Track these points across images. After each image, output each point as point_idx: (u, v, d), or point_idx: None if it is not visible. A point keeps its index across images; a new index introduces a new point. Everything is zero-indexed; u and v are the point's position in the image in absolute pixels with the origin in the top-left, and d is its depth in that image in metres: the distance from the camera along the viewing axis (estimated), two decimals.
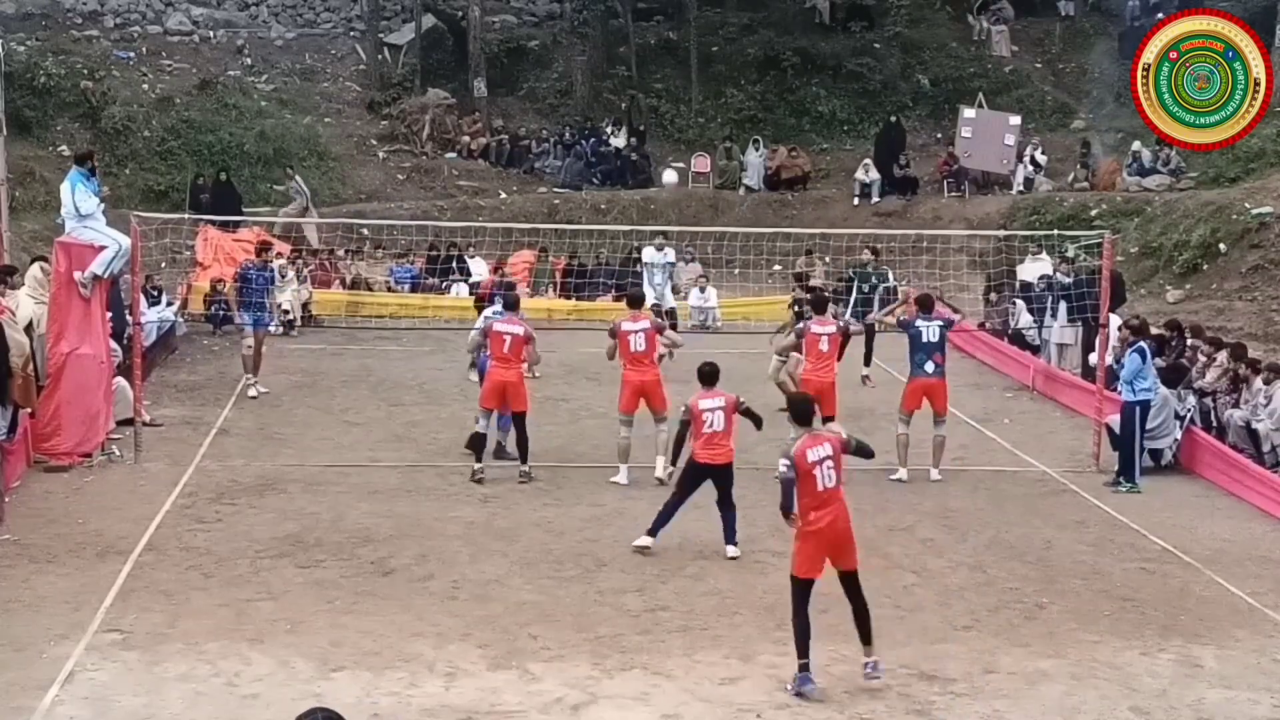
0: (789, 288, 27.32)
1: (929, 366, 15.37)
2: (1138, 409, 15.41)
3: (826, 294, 17.89)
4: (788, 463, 9.50)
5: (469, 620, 10.78)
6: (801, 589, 9.59)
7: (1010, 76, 35.72)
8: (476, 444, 15.04)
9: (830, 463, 9.56)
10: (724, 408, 12.37)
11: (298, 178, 29.47)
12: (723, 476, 12.47)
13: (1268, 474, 15.01)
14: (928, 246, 25.28)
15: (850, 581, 9.74)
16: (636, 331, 14.93)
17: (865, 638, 9.70)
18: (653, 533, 12.47)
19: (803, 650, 9.52)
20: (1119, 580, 12.26)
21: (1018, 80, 35.44)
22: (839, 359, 16.11)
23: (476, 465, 14.81)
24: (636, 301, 15.87)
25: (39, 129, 30.00)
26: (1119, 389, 16.88)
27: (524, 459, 14.89)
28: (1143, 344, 15.75)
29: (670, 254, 25.02)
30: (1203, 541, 13.44)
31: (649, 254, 25.30)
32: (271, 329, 20.30)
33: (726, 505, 12.52)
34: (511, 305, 15.68)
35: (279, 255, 25.35)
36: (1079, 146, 31.73)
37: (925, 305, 15.83)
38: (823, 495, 9.56)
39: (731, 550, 12.36)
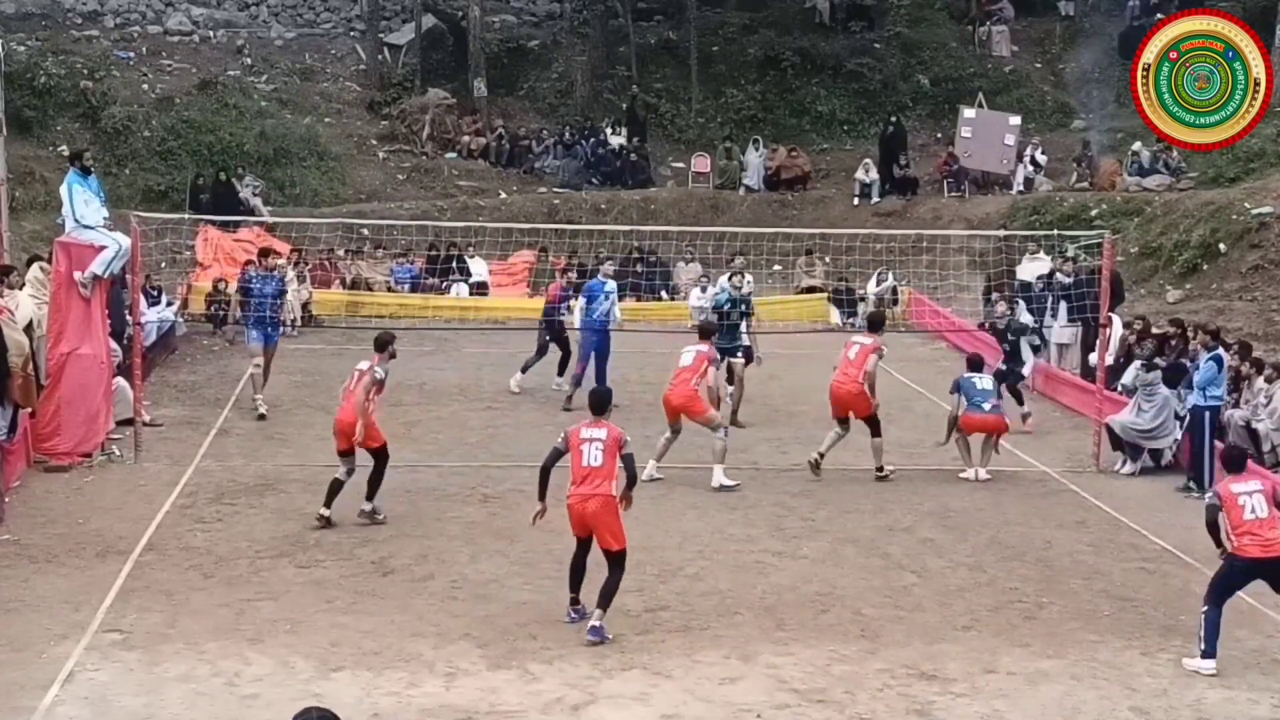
0: (794, 288, 27.45)
1: (986, 405, 15.77)
2: (1207, 414, 15.35)
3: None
4: (563, 435, 10.73)
5: (469, 620, 10.78)
6: (577, 542, 10.74)
7: (1010, 76, 35.72)
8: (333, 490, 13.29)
9: (599, 445, 10.48)
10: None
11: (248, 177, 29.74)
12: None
13: (1268, 474, 14.99)
14: (928, 246, 25.29)
15: (611, 560, 10.54)
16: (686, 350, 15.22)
17: (601, 602, 10.42)
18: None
19: (570, 587, 10.75)
20: (1119, 580, 12.27)
21: (1018, 80, 35.44)
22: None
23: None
24: (706, 333, 15.76)
25: (39, 129, 29.99)
26: (1119, 388, 16.93)
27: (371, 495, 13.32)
28: (1220, 351, 15.72)
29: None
30: (1203, 541, 13.35)
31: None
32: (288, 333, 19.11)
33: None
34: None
35: (277, 256, 25.39)
36: (1079, 146, 31.73)
37: (973, 365, 16.31)
38: (583, 471, 10.47)
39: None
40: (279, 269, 19.50)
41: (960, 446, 15.87)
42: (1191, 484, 15.28)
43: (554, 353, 19.27)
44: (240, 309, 18.82)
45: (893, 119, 33.14)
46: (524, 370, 19.40)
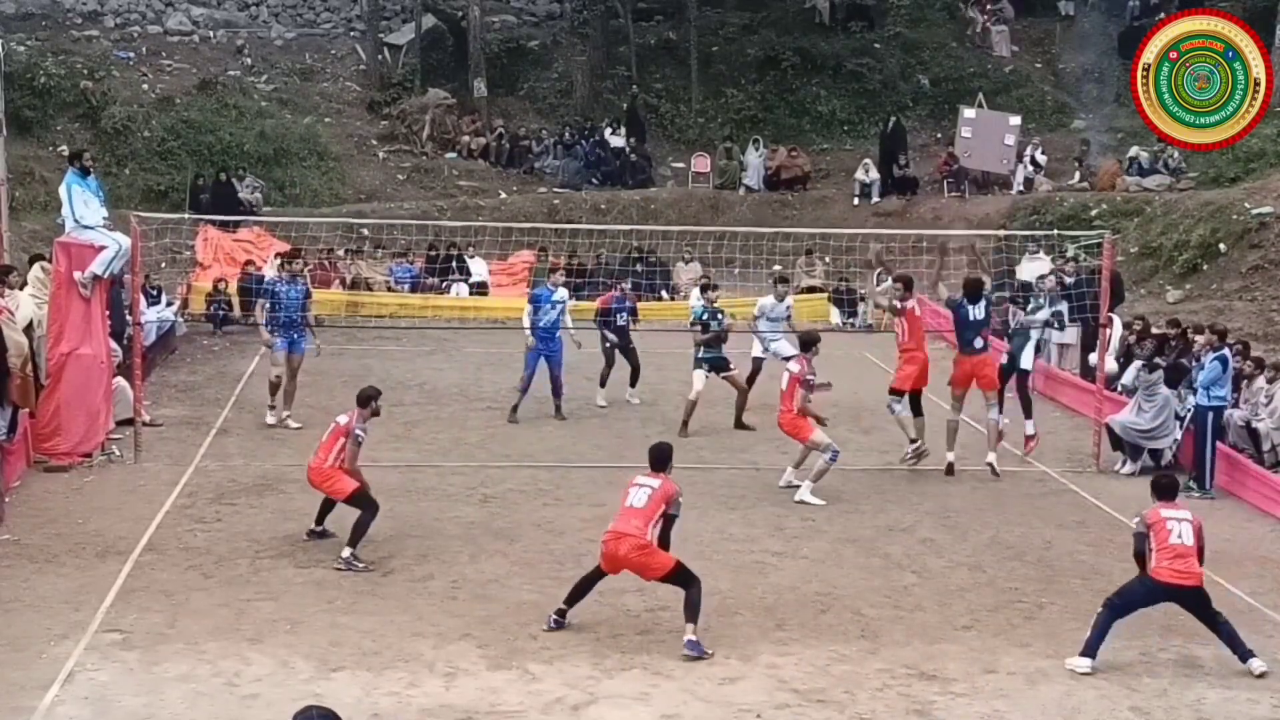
0: (794, 288, 27.42)
1: (977, 343, 15.65)
2: (1210, 415, 15.33)
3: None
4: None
5: (469, 620, 10.78)
6: (597, 569, 10.63)
7: (1010, 76, 35.73)
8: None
9: (648, 491, 10.34)
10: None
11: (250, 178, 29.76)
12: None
13: (1268, 474, 15.01)
14: (928, 246, 25.27)
15: (670, 581, 10.46)
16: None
17: (688, 616, 10.26)
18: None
19: (567, 598, 10.64)
20: (1119, 580, 12.16)
21: (1018, 80, 35.45)
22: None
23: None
24: (806, 344, 15.32)
25: (39, 129, 29.99)
26: (1119, 388, 16.93)
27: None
28: (1225, 351, 15.69)
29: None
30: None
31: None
32: (308, 348, 17.40)
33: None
34: None
35: (278, 255, 25.40)
36: (1079, 146, 31.73)
37: (972, 290, 15.96)
38: (625, 510, 10.38)
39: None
40: (304, 274, 18.43)
41: (949, 428, 15.63)
42: (1193, 484, 15.27)
43: (622, 365, 18.96)
44: (265, 311, 17.44)
45: (892, 118, 33.15)
46: (602, 384, 18.98)
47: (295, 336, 17.13)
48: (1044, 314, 24.00)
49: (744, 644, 10.44)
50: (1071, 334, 20.83)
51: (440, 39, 36.51)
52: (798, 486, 14.64)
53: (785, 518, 13.88)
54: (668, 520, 10.35)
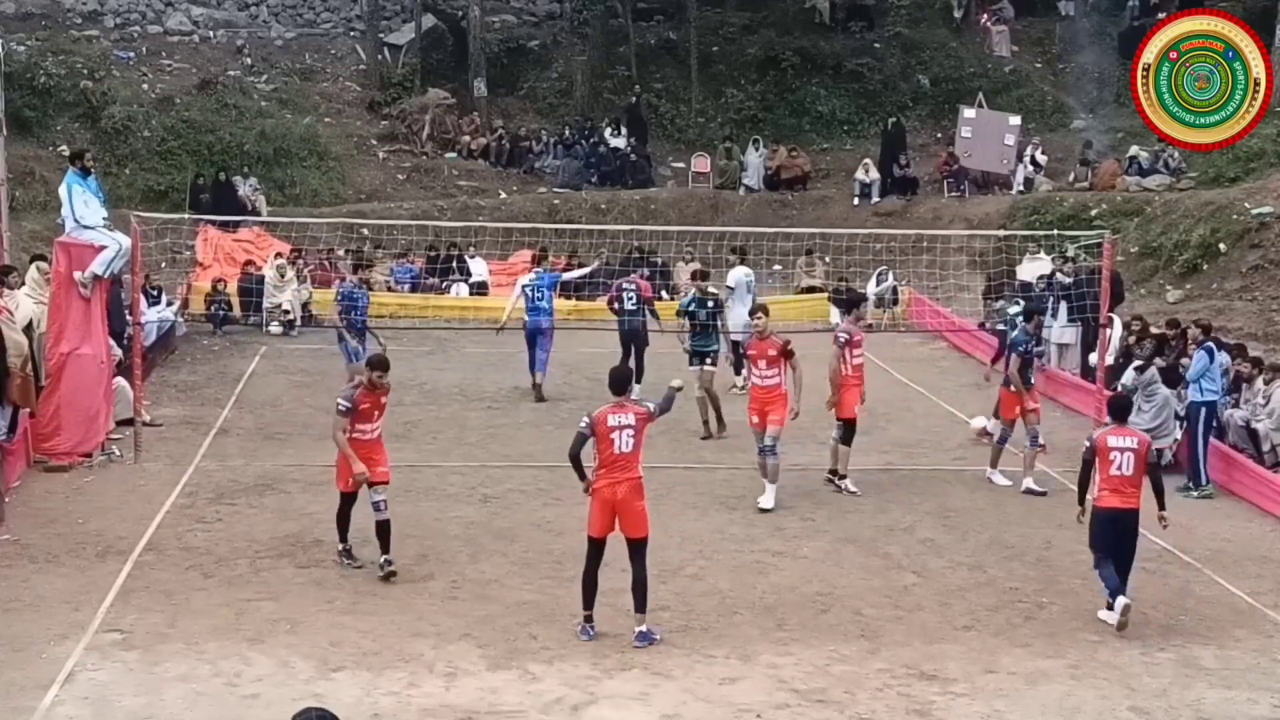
0: (794, 288, 27.42)
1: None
2: (1203, 410, 15.34)
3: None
4: (587, 421, 10.36)
5: (469, 620, 10.79)
6: (591, 547, 10.48)
7: (1010, 76, 35.72)
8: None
9: (630, 431, 10.29)
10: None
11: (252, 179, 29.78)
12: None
13: (1268, 474, 15.01)
14: (928, 246, 25.30)
15: (634, 548, 10.40)
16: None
17: (638, 606, 10.40)
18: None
19: (585, 604, 10.50)
20: None
21: (1018, 80, 35.44)
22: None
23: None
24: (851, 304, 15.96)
25: (39, 129, 29.98)
26: (1119, 388, 16.91)
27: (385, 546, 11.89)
28: (1210, 344, 15.69)
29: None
30: (1203, 541, 13.44)
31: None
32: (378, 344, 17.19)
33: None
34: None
35: (278, 255, 25.42)
36: (1079, 146, 31.73)
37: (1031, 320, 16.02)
38: (615, 459, 10.26)
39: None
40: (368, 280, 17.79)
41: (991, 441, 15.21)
42: (1190, 483, 15.29)
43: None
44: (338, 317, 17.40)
45: (893, 118, 33.15)
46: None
47: (361, 345, 17.11)
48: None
49: (744, 644, 10.45)
50: (1071, 334, 20.84)
51: (440, 39, 36.51)
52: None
53: (785, 518, 13.88)
54: (660, 408, 10.71)
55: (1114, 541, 10.91)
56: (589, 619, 10.51)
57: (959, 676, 9.96)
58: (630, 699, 9.44)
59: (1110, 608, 10.92)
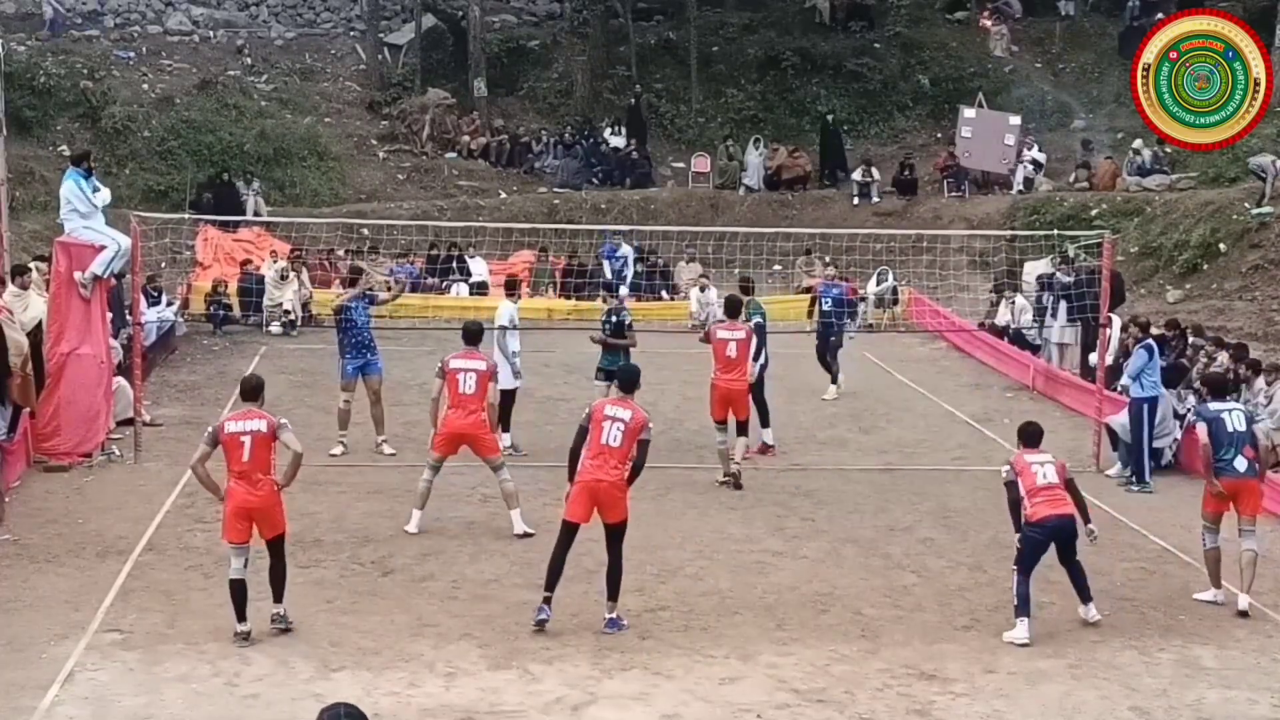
0: (794, 288, 27.44)
1: (1239, 463, 11.67)
2: (1145, 406, 15.37)
3: (740, 297, 16.06)
4: (588, 411, 10.70)
5: (469, 620, 10.78)
6: (564, 529, 10.63)
7: (1010, 76, 35.72)
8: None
9: (621, 426, 10.47)
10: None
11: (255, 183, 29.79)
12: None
13: (1267, 474, 14.99)
14: (928, 246, 25.30)
15: (611, 534, 10.59)
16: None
17: (610, 594, 10.63)
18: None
19: (547, 585, 10.60)
20: (1119, 580, 12.27)
21: (1018, 80, 35.44)
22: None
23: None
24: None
25: (39, 129, 29.98)
26: (1119, 388, 16.92)
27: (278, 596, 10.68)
28: (1150, 340, 15.73)
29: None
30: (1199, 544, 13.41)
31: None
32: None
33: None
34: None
35: (274, 254, 25.42)
36: (1079, 146, 31.72)
37: (1216, 387, 12.84)
38: (600, 448, 10.47)
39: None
40: (372, 289, 16.87)
41: (1208, 559, 11.81)
42: (1132, 479, 15.35)
43: None
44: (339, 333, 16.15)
45: (829, 113, 33.32)
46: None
47: (370, 357, 15.96)
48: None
49: (744, 644, 10.45)
50: (1071, 334, 20.85)
51: (440, 39, 36.51)
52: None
53: (785, 518, 13.88)
54: (642, 446, 10.66)
55: (1059, 550, 10.88)
56: (548, 600, 10.63)
57: (959, 676, 9.96)
58: (630, 699, 9.44)
59: (1020, 617, 10.65)
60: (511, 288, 16.81)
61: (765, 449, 16.23)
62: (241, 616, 10.25)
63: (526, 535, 12.63)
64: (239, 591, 10.30)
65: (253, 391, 10.75)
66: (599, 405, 10.79)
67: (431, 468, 13.04)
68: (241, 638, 10.20)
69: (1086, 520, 10.97)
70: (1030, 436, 11.36)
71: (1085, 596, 11.05)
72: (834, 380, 19.42)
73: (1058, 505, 10.76)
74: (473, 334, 13.33)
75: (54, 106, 30.60)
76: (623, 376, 11.17)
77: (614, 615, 10.63)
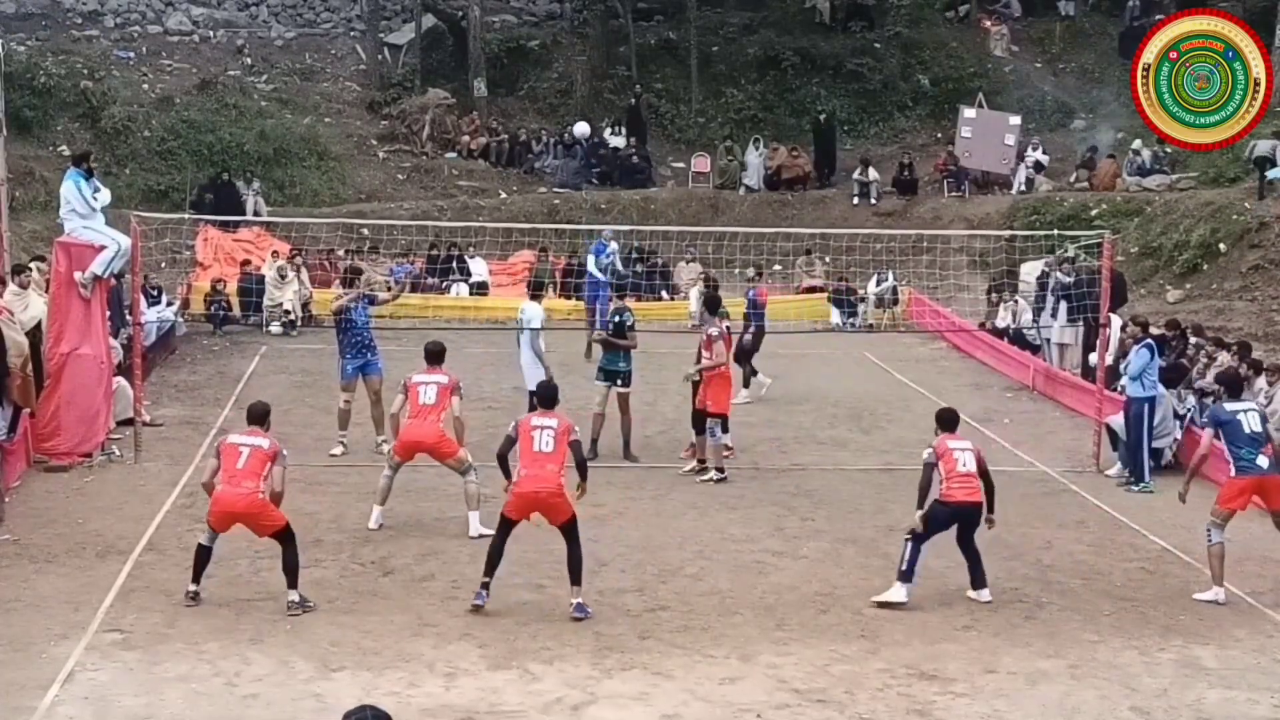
0: (794, 288, 27.47)
1: (1262, 461, 11.74)
2: (1145, 406, 15.37)
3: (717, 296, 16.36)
4: (514, 423, 11.25)
5: (469, 620, 10.78)
6: (502, 522, 11.04)
7: (1010, 76, 35.72)
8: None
9: (550, 432, 10.93)
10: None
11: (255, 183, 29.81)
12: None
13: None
14: (928, 246, 25.30)
15: (564, 532, 10.97)
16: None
17: (573, 580, 10.91)
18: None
19: (486, 571, 10.98)
20: (1119, 580, 12.27)
21: (1018, 80, 35.44)
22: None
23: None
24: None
25: (39, 129, 29.96)
26: (1119, 388, 16.92)
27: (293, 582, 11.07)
28: (1150, 340, 15.73)
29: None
30: (1203, 541, 13.40)
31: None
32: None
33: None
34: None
35: (275, 254, 25.42)
36: (1079, 146, 31.73)
37: (1232, 387, 12.86)
38: (533, 456, 10.87)
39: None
40: (371, 289, 16.70)
41: (1211, 554, 11.79)
42: (1130, 478, 15.35)
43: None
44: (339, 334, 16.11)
45: (823, 112, 33.31)
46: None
47: (370, 358, 15.90)
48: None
49: (744, 644, 10.45)
50: (1071, 334, 20.85)
51: (440, 39, 36.52)
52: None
53: (785, 518, 13.88)
54: (575, 446, 11.13)
55: (960, 531, 11.49)
56: (485, 585, 10.94)
57: (959, 676, 9.95)
58: (630, 699, 9.44)
59: (902, 582, 11.29)
60: (538, 289, 17.49)
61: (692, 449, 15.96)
62: (196, 579, 10.93)
63: (483, 537, 12.40)
64: (202, 556, 10.97)
65: (259, 417, 11.39)
66: (524, 419, 11.27)
67: (392, 467, 13.28)
68: (189, 596, 10.87)
69: (991, 510, 11.58)
70: (948, 422, 11.84)
71: (979, 583, 11.57)
72: (745, 384, 19.08)
73: (972, 494, 11.43)
74: (434, 354, 13.45)
75: (54, 106, 30.58)
76: (543, 393, 11.66)
77: (580, 600, 10.88)
